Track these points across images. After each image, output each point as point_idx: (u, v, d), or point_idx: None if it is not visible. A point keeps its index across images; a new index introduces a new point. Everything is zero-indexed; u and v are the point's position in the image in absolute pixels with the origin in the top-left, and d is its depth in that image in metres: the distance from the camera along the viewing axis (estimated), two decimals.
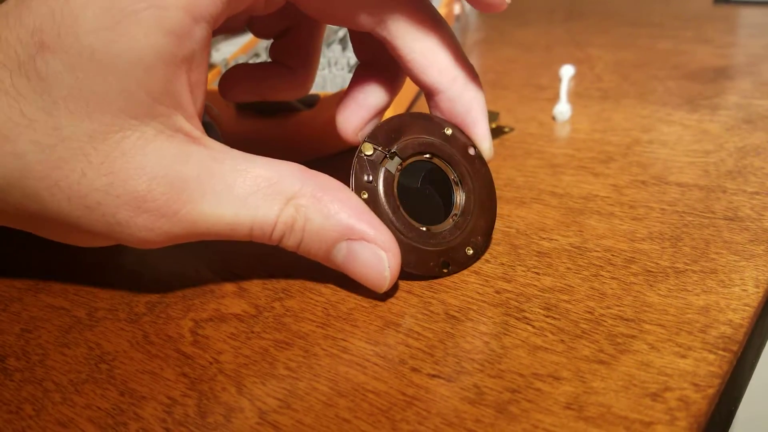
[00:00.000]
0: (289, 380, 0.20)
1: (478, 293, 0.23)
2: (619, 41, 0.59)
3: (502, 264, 0.25)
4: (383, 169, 0.25)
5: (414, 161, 0.26)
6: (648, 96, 0.43)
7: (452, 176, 0.26)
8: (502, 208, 0.29)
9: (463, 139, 0.26)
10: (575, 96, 0.44)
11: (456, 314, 0.22)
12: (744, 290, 0.22)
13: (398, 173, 0.25)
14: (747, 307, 0.21)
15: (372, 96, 0.27)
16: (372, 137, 0.25)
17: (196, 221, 0.21)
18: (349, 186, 0.24)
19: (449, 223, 0.25)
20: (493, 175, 0.33)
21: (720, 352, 0.20)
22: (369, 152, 0.25)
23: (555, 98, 0.43)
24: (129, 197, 0.20)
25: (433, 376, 0.20)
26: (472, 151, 0.26)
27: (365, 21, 0.24)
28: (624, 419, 0.17)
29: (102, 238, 0.22)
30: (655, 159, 0.33)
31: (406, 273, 0.24)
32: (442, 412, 0.18)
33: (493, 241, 0.27)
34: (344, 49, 0.41)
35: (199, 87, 0.22)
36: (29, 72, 0.19)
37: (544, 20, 0.71)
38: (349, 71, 0.38)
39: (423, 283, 0.24)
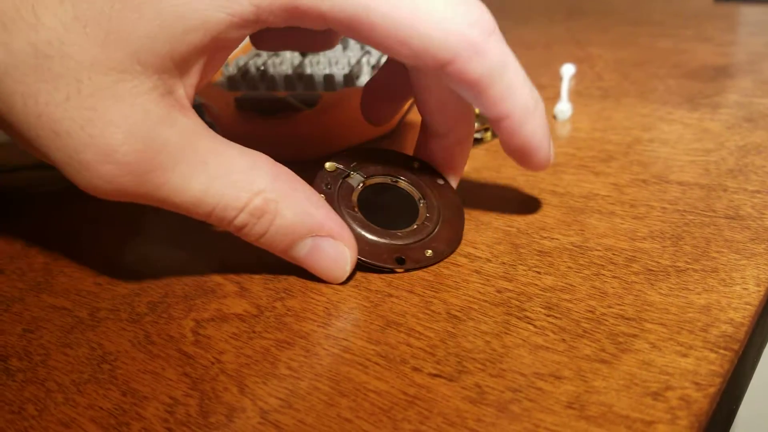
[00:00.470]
0: (290, 380, 0.20)
1: (480, 292, 0.23)
2: (620, 40, 0.59)
3: (503, 263, 0.25)
4: (344, 182, 0.26)
5: (377, 182, 0.26)
6: (648, 95, 0.43)
7: (416, 196, 0.26)
8: (502, 207, 0.29)
9: (431, 171, 0.27)
10: (576, 95, 0.44)
11: (457, 313, 0.22)
12: (745, 289, 0.22)
13: (360, 188, 0.26)
14: (748, 306, 0.21)
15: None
16: (336, 157, 0.26)
17: (159, 187, 0.21)
18: None
19: (411, 227, 0.26)
20: (494, 174, 0.33)
21: (721, 351, 0.20)
22: (331, 167, 0.26)
23: (555, 97, 0.43)
24: (102, 142, 0.19)
25: (435, 375, 0.20)
26: (440, 182, 0.27)
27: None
28: (625, 418, 0.17)
29: (51, 163, 0.21)
30: (656, 158, 0.33)
31: (360, 264, 0.24)
32: (443, 412, 0.18)
33: (494, 240, 0.27)
34: (345, 48, 0.41)
35: (215, 67, 0.22)
36: None
37: (545, 19, 0.71)
38: (349, 71, 0.38)
39: (424, 282, 0.24)
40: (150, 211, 0.32)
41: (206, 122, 0.33)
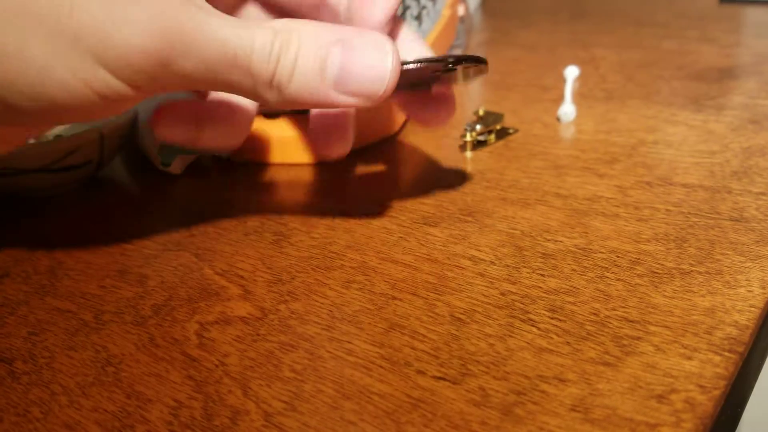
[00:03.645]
0: (294, 383, 0.20)
1: (483, 295, 0.23)
2: (624, 41, 0.59)
3: (507, 266, 0.25)
4: None
5: None
6: (653, 96, 0.43)
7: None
8: (506, 210, 0.29)
9: None
10: (580, 97, 0.44)
11: (461, 316, 0.22)
12: (750, 291, 0.22)
13: None
14: (753, 309, 0.21)
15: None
16: None
17: (180, 33, 0.20)
18: None
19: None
20: (497, 177, 0.33)
21: (726, 354, 0.19)
22: None
23: (559, 99, 0.43)
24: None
25: (439, 378, 0.20)
26: None
27: None
28: (630, 421, 0.17)
29: (68, 96, 0.20)
30: (660, 160, 0.33)
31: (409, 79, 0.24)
32: (447, 415, 0.18)
33: (498, 242, 0.27)
34: None
35: None
36: None
37: (549, 21, 0.71)
38: None
39: (428, 285, 0.24)
40: (154, 213, 0.32)
41: None
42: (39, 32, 0.19)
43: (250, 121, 0.29)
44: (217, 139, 0.28)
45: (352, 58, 0.22)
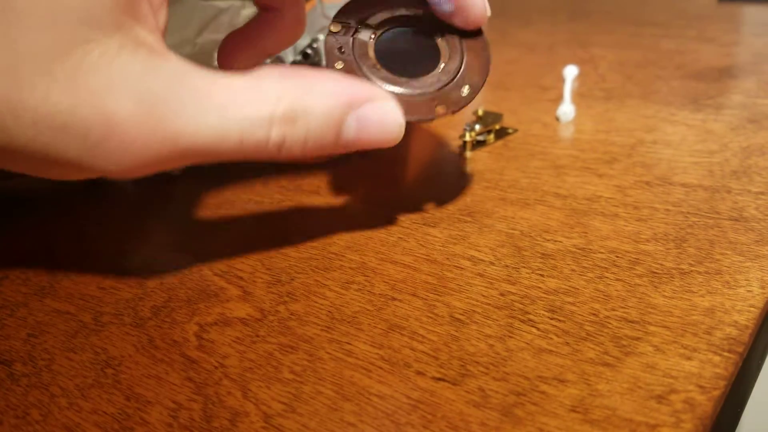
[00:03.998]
0: (294, 384, 0.20)
1: (483, 296, 0.23)
2: (623, 41, 0.59)
3: (507, 266, 0.25)
4: (356, 39, 0.24)
5: (389, 29, 0.25)
6: (652, 96, 0.43)
7: (431, 33, 0.25)
8: (505, 210, 0.29)
9: (439, 12, 0.25)
10: (579, 96, 0.44)
11: (461, 317, 0.22)
12: (749, 291, 0.22)
13: (372, 41, 0.25)
14: (752, 309, 0.21)
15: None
16: (339, 14, 0.25)
17: (175, 137, 0.19)
18: (325, 63, 0.24)
19: (438, 69, 0.25)
20: (497, 177, 0.33)
21: (725, 354, 0.19)
22: (336, 29, 0.24)
23: (558, 99, 0.43)
24: (98, 116, 0.19)
25: (438, 379, 0.20)
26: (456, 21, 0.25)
27: None
28: (629, 422, 0.17)
29: (75, 168, 0.20)
30: (659, 159, 0.33)
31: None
32: (447, 416, 0.18)
33: (497, 242, 0.27)
34: None
35: (161, 4, 0.21)
36: None
37: (547, 20, 0.71)
38: None
39: (427, 285, 0.24)
40: (153, 215, 0.32)
41: None
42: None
43: (301, 13, 0.29)
44: (278, 44, 0.29)
45: (367, 128, 0.22)
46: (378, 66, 0.24)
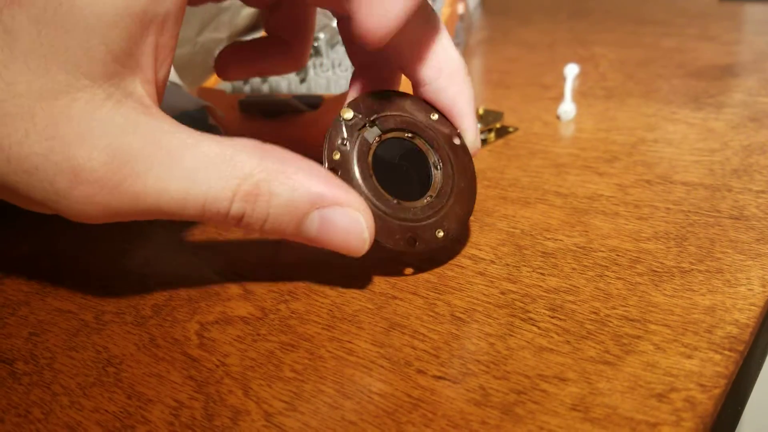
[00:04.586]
0: (295, 383, 0.20)
1: (484, 294, 0.23)
2: (624, 39, 0.58)
3: (507, 265, 0.25)
4: (360, 136, 0.24)
5: (394, 137, 0.25)
6: (653, 94, 0.43)
7: (432, 159, 0.25)
8: (506, 209, 0.29)
9: (448, 128, 0.26)
10: (579, 95, 0.44)
11: (461, 315, 0.22)
12: (750, 290, 0.22)
13: (375, 144, 0.25)
14: (753, 307, 0.21)
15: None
16: (354, 104, 0.25)
17: (139, 196, 0.20)
18: (323, 146, 0.24)
19: (423, 202, 0.25)
20: (497, 175, 0.33)
21: (726, 353, 0.19)
22: (348, 116, 0.24)
23: (559, 97, 0.43)
24: (68, 165, 0.19)
25: (439, 377, 0.20)
26: (457, 141, 0.26)
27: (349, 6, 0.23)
28: (630, 420, 0.17)
29: (40, 206, 0.21)
30: (660, 158, 0.33)
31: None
32: (447, 414, 0.18)
33: (498, 241, 0.27)
34: None
35: (166, 51, 0.21)
36: None
37: (548, 19, 0.71)
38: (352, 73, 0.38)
39: (428, 284, 0.24)
40: None
41: (210, 125, 0.33)
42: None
43: (308, 49, 0.30)
44: (277, 69, 0.30)
45: (328, 231, 0.22)
46: (371, 172, 0.24)
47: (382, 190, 0.24)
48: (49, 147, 0.19)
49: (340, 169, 0.24)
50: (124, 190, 0.20)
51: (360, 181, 0.24)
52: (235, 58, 0.30)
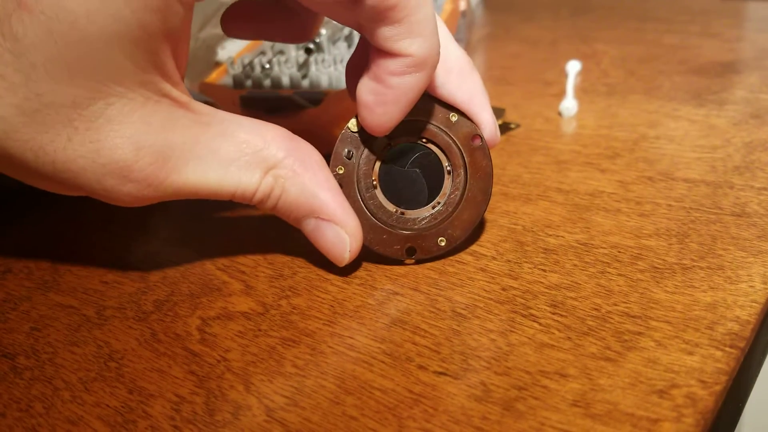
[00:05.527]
0: (296, 378, 0.20)
1: (485, 290, 0.23)
2: (626, 36, 0.58)
3: (509, 261, 0.25)
4: (367, 147, 0.25)
5: (406, 143, 0.25)
6: (655, 91, 0.43)
7: (445, 164, 0.25)
8: (508, 205, 0.29)
9: (468, 128, 0.25)
10: (581, 91, 0.44)
11: (462, 311, 0.22)
12: (751, 286, 0.22)
13: (385, 151, 0.25)
14: (754, 304, 0.21)
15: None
16: None
17: (181, 188, 0.22)
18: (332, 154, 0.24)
19: (428, 210, 0.25)
20: (499, 172, 0.32)
21: (727, 349, 0.19)
22: (355, 129, 0.25)
23: (561, 94, 0.43)
24: (115, 166, 0.20)
25: (440, 373, 0.20)
26: (477, 142, 0.25)
27: (358, 16, 0.22)
28: (631, 416, 0.17)
29: (84, 194, 0.22)
30: (662, 155, 0.33)
31: (369, 252, 0.25)
32: (448, 410, 0.18)
33: (499, 237, 0.27)
34: (350, 46, 0.41)
35: (182, 56, 0.22)
36: (4, 30, 0.19)
37: (550, 15, 0.71)
38: None
39: (429, 280, 0.24)
40: (157, 210, 0.32)
41: None
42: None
43: (316, 24, 0.30)
44: (283, 36, 0.30)
45: (319, 238, 0.24)
46: (376, 183, 0.25)
47: (385, 201, 0.25)
48: (94, 150, 0.20)
49: (342, 184, 0.25)
50: (168, 184, 0.22)
51: (360, 195, 0.25)
52: (243, 15, 0.29)
